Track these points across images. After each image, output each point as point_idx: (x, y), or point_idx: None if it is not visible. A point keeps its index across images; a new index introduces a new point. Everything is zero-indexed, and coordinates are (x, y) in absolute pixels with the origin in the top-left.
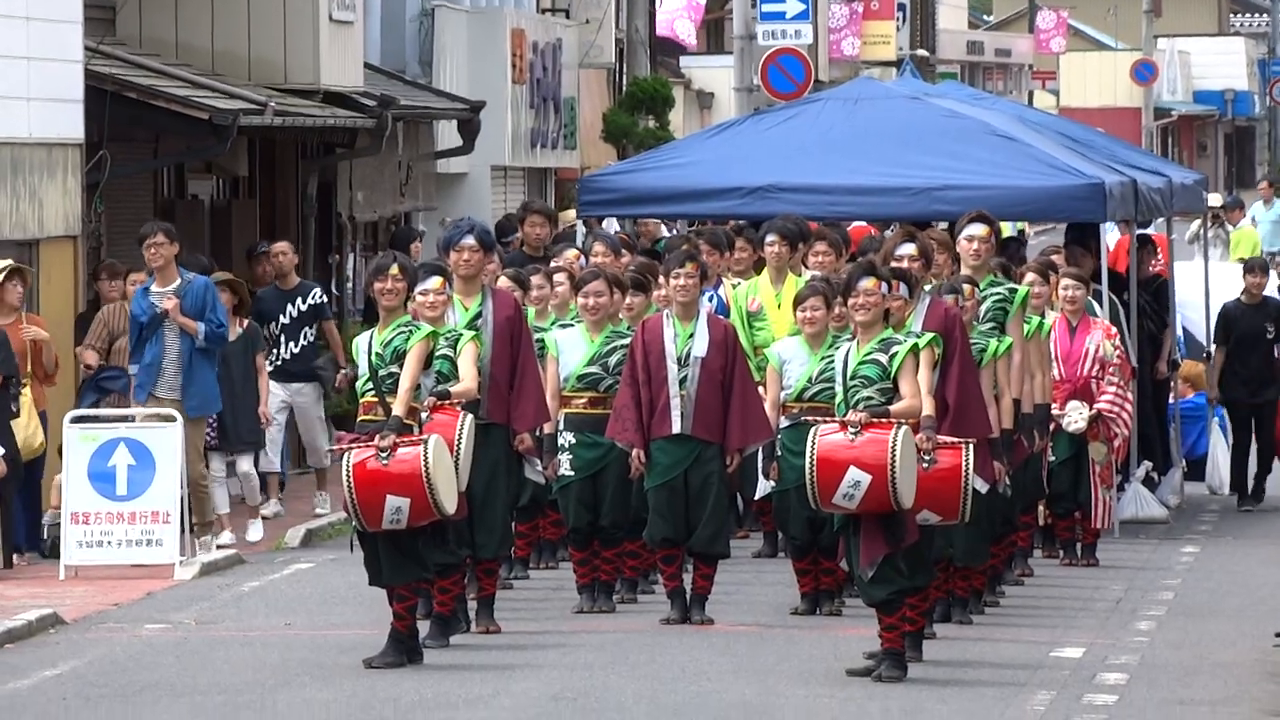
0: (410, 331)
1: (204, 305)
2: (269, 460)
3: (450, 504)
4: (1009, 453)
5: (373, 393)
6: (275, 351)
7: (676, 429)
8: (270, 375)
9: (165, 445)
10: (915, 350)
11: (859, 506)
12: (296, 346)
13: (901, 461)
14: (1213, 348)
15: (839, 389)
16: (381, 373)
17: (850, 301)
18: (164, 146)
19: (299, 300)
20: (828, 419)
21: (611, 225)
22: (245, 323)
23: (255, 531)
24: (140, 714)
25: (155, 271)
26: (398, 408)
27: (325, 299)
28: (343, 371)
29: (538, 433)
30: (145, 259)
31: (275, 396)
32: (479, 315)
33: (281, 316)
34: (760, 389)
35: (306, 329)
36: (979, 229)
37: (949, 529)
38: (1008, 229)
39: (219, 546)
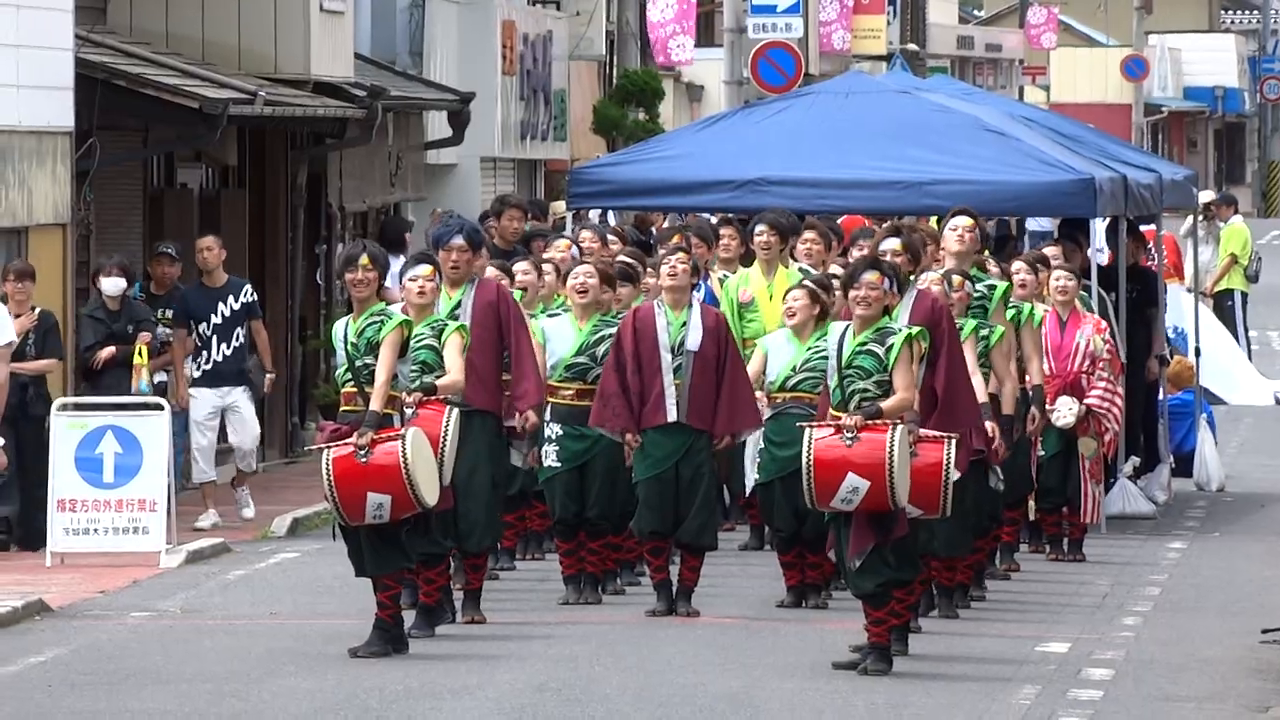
0: (383, 321)
1: None
2: (201, 470)
3: (431, 497)
4: (1006, 440)
5: (352, 383)
6: (205, 354)
7: (671, 417)
8: (199, 380)
9: (153, 434)
10: (909, 340)
11: (857, 508)
12: (229, 348)
13: (899, 464)
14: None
15: (833, 375)
16: (358, 363)
17: (852, 294)
18: (154, 135)
19: (230, 299)
20: (818, 424)
21: (593, 217)
22: None
23: None
24: (125, 702)
25: None
26: (374, 401)
27: (256, 297)
28: (269, 376)
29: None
30: None
31: (204, 402)
32: (459, 304)
33: (213, 316)
34: None
35: (239, 329)
36: (963, 220)
37: (930, 522)
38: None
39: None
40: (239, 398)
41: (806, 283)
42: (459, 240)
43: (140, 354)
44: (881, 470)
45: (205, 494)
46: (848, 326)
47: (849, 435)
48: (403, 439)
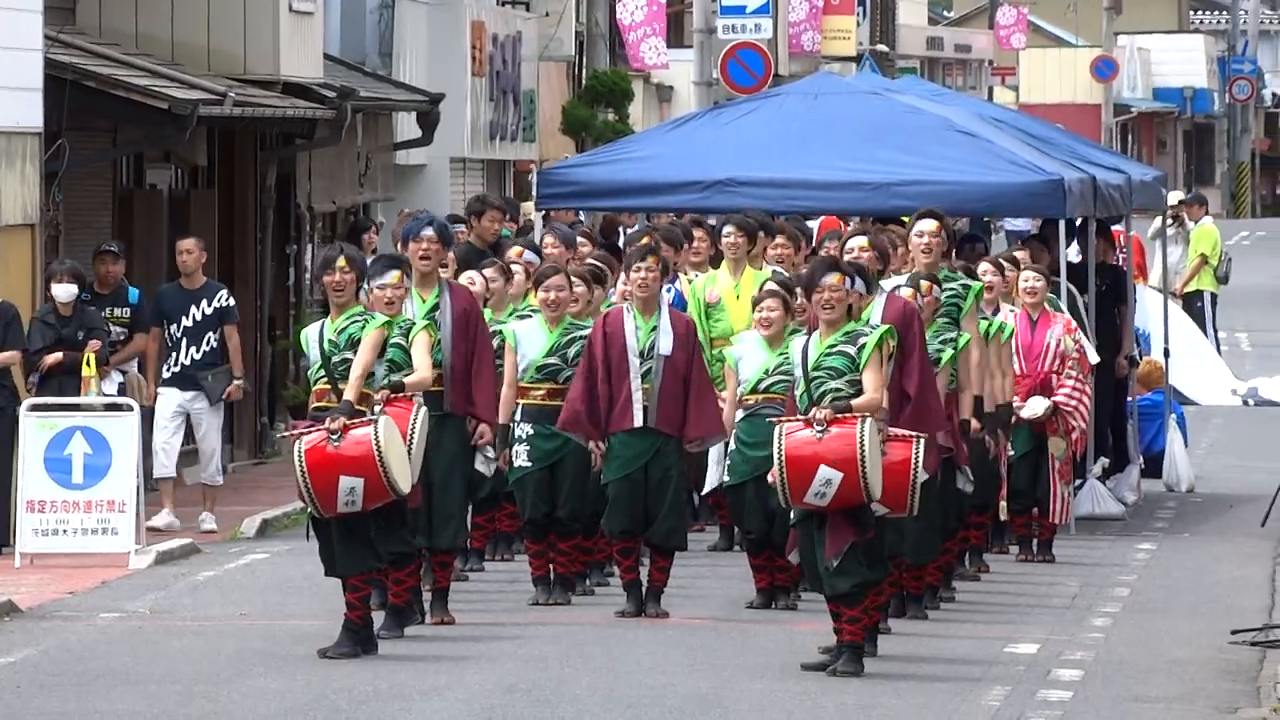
0: (366, 320)
1: None
2: (161, 465)
3: (404, 483)
4: (968, 446)
5: (325, 380)
6: (174, 355)
7: (638, 422)
8: (168, 381)
9: (122, 434)
10: (881, 340)
11: (830, 504)
12: (198, 352)
13: (870, 455)
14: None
15: (800, 382)
16: (335, 359)
17: (815, 297)
18: (123, 136)
19: (204, 302)
20: (790, 418)
21: (537, 220)
22: None
23: None
24: (94, 703)
25: None
26: (349, 393)
27: (233, 302)
28: (236, 382)
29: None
30: None
31: (168, 401)
32: (436, 307)
33: (184, 318)
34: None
35: (210, 334)
36: (928, 224)
37: (899, 524)
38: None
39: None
40: (204, 403)
41: (778, 290)
42: (430, 232)
43: (89, 363)
44: (853, 463)
45: (164, 492)
46: (810, 335)
47: (819, 427)
48: (375, 424)
